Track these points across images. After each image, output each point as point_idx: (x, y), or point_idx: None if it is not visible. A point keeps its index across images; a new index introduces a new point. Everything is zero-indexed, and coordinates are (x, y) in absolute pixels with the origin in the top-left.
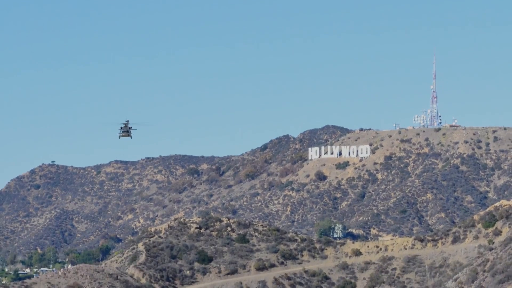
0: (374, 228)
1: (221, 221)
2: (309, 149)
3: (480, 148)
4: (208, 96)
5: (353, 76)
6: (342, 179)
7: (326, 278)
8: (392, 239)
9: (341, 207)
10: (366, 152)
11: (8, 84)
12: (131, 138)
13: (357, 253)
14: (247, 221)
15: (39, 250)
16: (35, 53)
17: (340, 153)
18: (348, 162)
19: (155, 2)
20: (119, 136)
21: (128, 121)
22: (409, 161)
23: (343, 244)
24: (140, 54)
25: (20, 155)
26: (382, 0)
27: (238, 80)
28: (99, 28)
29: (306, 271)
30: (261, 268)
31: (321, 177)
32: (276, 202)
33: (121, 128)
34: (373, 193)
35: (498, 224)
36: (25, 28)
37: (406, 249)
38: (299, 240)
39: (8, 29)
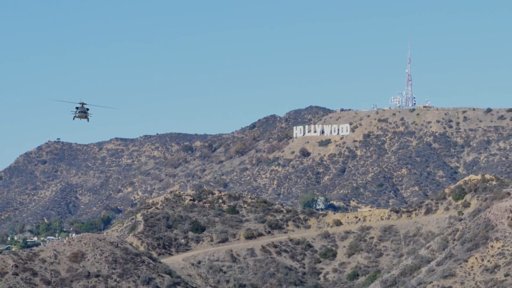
0: (353, 200)
1: (213, 193)
2: (294, 127)
3: (451, 127)
4: (202, 79)
5: (334, 60)
6: (324, 155)
7: (309, 246)
8: (370, 211)
9: (323, 181)
10: (346, 130)
11: (18, 68)
12: (88, 121)
13: (338, 223)
14: (237, 194)
15: (45, 220)
16: (43, 38)
17: (322, 132)
18: (329, 139)
19: None
20: (74, 117)
21: (83, 102)
22: (386, 139)
23: (325, 215)
24: (140, 41)
25: (28, 133)
26: None
27: (230, 64)
28: (102, 13)
29: (291, 240)
30: (249, 237)
31: (305, 153)
32: (263, 176)
33: (77, 108)
34: (352, 168)
35: (467, 197)
36: (32, 17)
37: (382, 219)
38: (284, 211)
39: (13, 16)
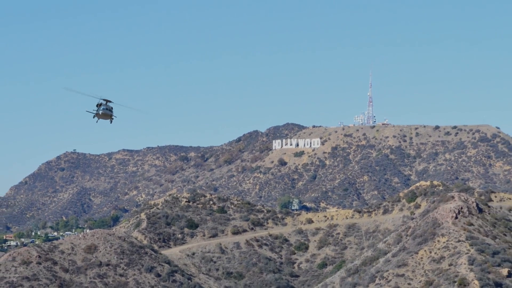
0: (323, 202)
1: (205, 196)
2: (273, 141)
3: (405, 141)
4: (197, 99)
5: (308, 84)
6: (299, 164)
7: (286, 240)
8: (336, 211)
9: (298, 186)
10: (317, 144)
11: (37, 88)
12: (111, 122)
13: (310, 221)
14: (225, 197)
15: (64, 218)
16: (65, 59)
17: (297, 145)
18: (303, 151)
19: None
20: (94, 116)
21: (107, 99)
22: (350, 151)
23: (299, 214)
24: (145, 67)
25: (49, 145)
26: (331, 27)
27: (220, 87)
28: (108, 30)
29: (270, 235)
30: (236, 232)
31: (282, 163)
32: (247, 182)
33: (99, 105)
34: (322, 175)
35: (418, 200)
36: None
37: (347, 218)
38: (265, 211)
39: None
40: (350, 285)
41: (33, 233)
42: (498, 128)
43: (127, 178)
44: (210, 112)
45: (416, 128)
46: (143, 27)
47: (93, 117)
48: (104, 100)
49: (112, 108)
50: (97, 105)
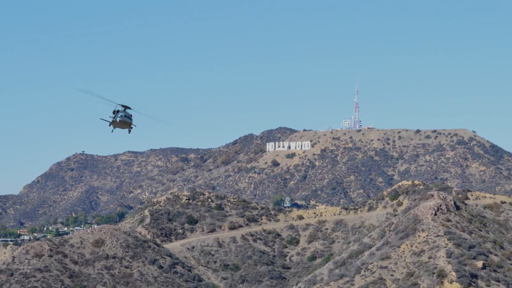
0: (313, 200)
1: (204, 194)
2: (267, 144)
3: (388, 144)
4: (196, 106)
5: (299, 91)
6: (290, 165)
7: (278, 235)
8: (325, 208)
9: (289, 185)
10: (308, 146)
11: (48, 93)
12: (129, 131)
13: (300, 217)
14: (222, 195)
15: (73, 215)
16: (76, 66)
17: (289, 147)
18: (295, 153)
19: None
20: (110, 123)
21: (126, 106)
22: (338, 153)
23: (290, 211)
24: (148, 77)
25: (59, 146)
26: (320, 38)
27: (218, 94)
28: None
29: (264, 230)
30: (232, 228)
31: (275, 164)
32: (243, 181)
33: (117, 112)
34: (312, 175)
35: (401, 198)
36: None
37: (335, 215)
38: (259, 208)
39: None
40: (337, 276)
41: (45, 228)
42: (474, 132)
43: (132, 178)
44: (208, 117)
45: (399, 132)
46: (144, 35)
47: (109, 125)
48: (122, 106)
49: (131, 115)
50: (113, 112)
